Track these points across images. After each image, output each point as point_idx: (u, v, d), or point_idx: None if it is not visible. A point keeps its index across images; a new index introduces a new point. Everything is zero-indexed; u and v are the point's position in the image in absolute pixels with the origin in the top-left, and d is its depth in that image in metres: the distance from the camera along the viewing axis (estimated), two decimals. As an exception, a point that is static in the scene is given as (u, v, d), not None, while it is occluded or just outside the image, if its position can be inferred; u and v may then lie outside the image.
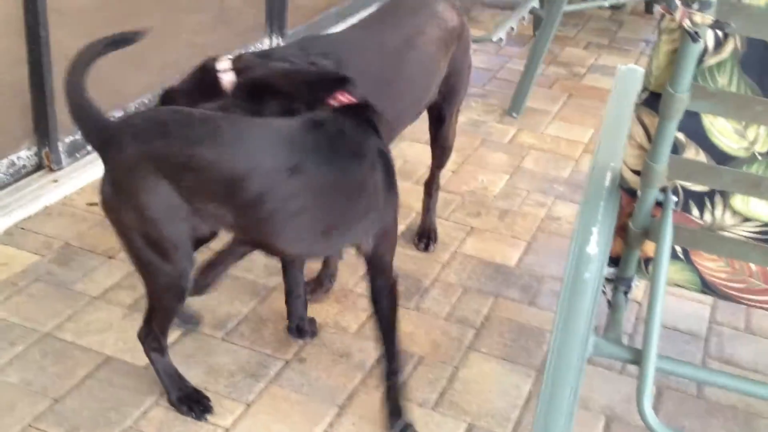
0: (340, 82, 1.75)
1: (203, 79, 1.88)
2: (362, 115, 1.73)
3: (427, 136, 3.20)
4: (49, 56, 2.52)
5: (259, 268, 2.36)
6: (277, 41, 3.69)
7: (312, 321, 2.13)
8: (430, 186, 2.56)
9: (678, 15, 1.18)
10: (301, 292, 2.08)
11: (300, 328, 2.09)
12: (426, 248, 2.53)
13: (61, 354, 1.97)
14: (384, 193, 1.74)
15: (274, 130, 1.68)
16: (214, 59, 1.88)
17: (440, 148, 2.49)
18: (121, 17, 4.04)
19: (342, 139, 1.68)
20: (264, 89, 1.79)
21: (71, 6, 2.70)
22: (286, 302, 2.09)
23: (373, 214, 1.74)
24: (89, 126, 1.65)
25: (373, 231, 1.76)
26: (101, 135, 1.63)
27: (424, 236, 2.55)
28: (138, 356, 1.98)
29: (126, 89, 2.91)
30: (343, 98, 1.73)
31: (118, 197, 1.61)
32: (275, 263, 2.37)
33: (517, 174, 3.03)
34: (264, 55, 1.95)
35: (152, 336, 1.80)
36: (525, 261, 2.53)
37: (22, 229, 2.42)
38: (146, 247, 1.63)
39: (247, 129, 1.63)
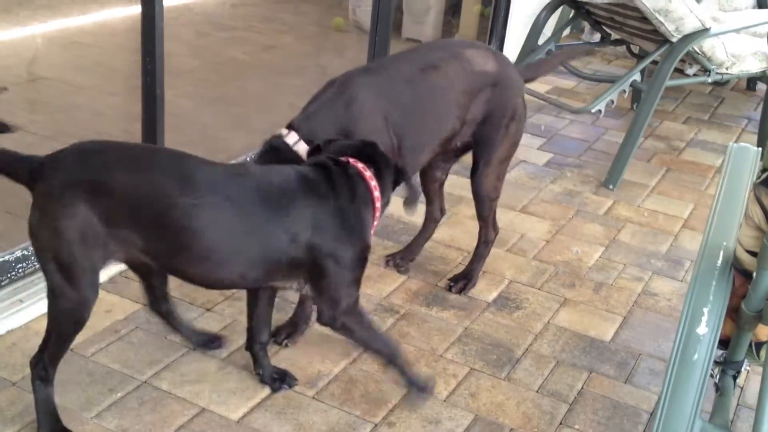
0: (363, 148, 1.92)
1: (278, 156, 2.00)
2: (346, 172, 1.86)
3: (521, 204, 3.21)
4: (162, 112, 2.64)
5: (350, 328, 2.36)
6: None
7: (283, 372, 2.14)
8: (479, 235, 2.59)
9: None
10: (264, 339, 2.10)
11: (274, 378, 2.11)
12: (459, 291, 2.56)
13: (158, 402, 2.01)
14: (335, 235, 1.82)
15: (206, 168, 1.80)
16: (278, 136, 2.03)
17: (475, 196, 2.50)
18: (227, 80, 4.24)
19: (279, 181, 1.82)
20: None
21: (184, 68, 2.84)
22: (250, 349, 2.12)
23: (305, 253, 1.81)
24: (14, 165, 1.75)
25: (308, 272, 1.84)
26: (28, 170, 1.73)
27: (459, 279, 2.59)
28: (232, 409, 2.01)
29: (231, 147, 3.01)
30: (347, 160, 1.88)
31: (40, 222, 1.71)
32: (367, 324, 2.38)
33: (613, 246, 2.98)
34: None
35: (41, 364, 1.83)
36: (621, 336, 2.46)
37: (126, 277, 2.50)
38: (57, 271, 1.72)
39: (166, 159, 1.78)
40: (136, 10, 2.56)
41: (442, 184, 2.66)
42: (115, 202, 1.70)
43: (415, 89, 2.20)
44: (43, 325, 1.86)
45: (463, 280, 2.60)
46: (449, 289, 2.58)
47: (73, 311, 1.77)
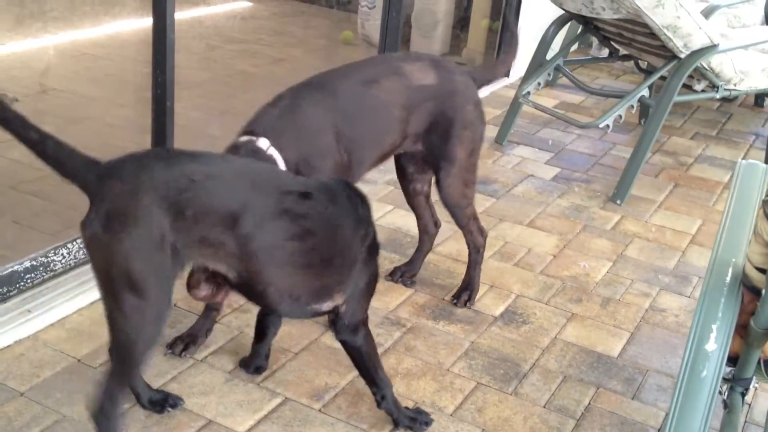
0: None
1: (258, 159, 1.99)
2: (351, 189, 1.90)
3: (528, 218, 3.21)
4: (172, 124, 2.65)
5: (357, 341, 2.37)
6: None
7: (267, 357, 2.19)
8: (467, 243, 2.59)
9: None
10: (270, 339, 2.17)
11: (259, 367, 2.17)
12: (464, 304, 2.57)
13: (164, 414, 2.01)
14: (364, 260, 1.88)
15: (275, 176, 1.82)
16: (247, 142, 2.01)
17: (446, 208, 2.49)
18: (236, 92, 4.26)
19: (337, 202, 1.84)
20: None
21: (194, 80, 2.86)
22: (254, 343, 2.16)
23: (350, 279, 1.86)
24: (77, 164, 1.62)
25: (347, 295, 1.87)
26: (95, 170, 1.62)
27: (462, 292, 2.60)
28: (239, 421, 2.01)
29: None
30: None
31: (110, 229, 1.58)
32: (375, 336, 2.38)
33: (620, 262, 2.97)
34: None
35: (108, 403, 1.67)
36: (628, 352, 2.46)
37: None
38: (127, 285, 1.59)
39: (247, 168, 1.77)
40: (148, 22, 2.59)
41: (427, 197, 2.65)
42: (199, 209, 1.62)
43: (358, 104, 2.21)
44: (53, 335, 1.88)
45: (466, 292, 2.60)
46: (455, 304, 2.58)
47: (148, 328, 1.64)
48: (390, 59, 2.39)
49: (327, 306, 1.88)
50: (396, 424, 2.03)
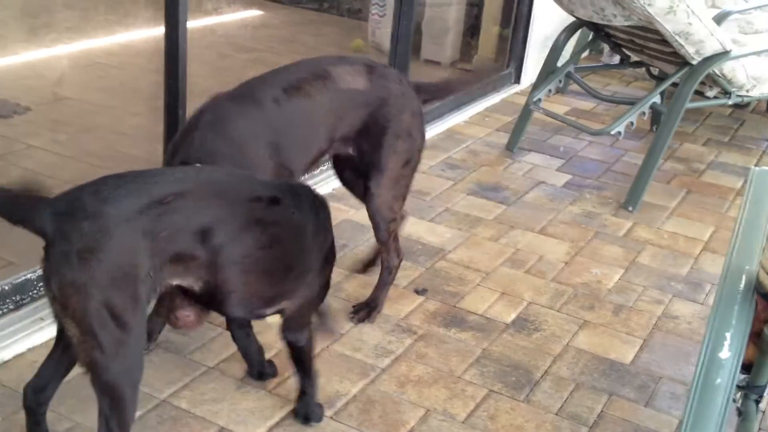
0: None
1: None
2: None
3: (539, 225, 3.20)
4: (184, 133, 2.66)
5: (368, 347, 2.37)
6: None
7: (271, 363, 2.19)
8: (381, 260, 2.52)
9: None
10: (252, 341, 2.15)
11: (261, 373, 2.18)
12: (362, 320, 2.47)
13: (177, 421, 2.02)
14: (318, 268, 1.92)
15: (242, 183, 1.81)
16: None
17: (370, 218, 2.39)
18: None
19: (302, 208, 1.86)
20: None
21: (206, 89, 2.86)
22: (243, 355, 2.18)
23: (304, 286, 1.90)
24: (25, 206, 1.52)
25: (298, 300, 1.90)
26: (47, 209, 1.51)
27: (363, 307, 2.51)
28: (251, 429, 2.01)
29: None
30: None
31: (87, 270, 1.49)
32: (386, 344, 2.38)
33: (633, 269, 2.96)
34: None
35: None
36: (641, 359, 2.45)
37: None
38: (112, 322, 1.53)
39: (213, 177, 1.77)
40: (160, 32, 2.60)
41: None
42: (171, 229, 1.59)
43: (282, 111, 2.14)
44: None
45: (367, 308, 2.50)
46: (351, 318, 2.48)
47: (136, 361, 1.60)
48: (318, 63, 2.29)
49: (272, 310, 1.91)
50: (305, 417, 2.05)
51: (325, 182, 3.13)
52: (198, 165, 1.94)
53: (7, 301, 2.25)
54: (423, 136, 2.40)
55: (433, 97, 2.56)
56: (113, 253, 1.52)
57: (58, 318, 1.59)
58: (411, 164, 2.38)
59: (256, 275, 1.79)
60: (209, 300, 1.78)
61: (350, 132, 2.28)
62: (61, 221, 1.50)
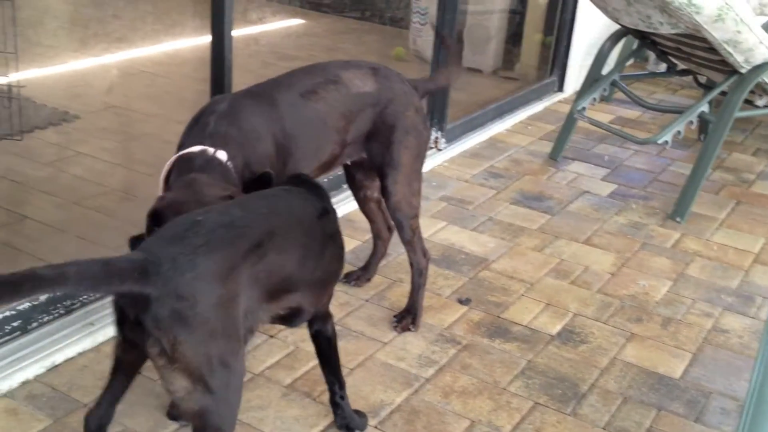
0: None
1: (216, 173, 1.94)
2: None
3: (584, 236, 3.17)
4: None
5: (412, 357, 2.36)
6: (436, 135, 3.78)
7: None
8: (410, 263, 2.51)
9: None
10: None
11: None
12: (405, 328, 2.47)
13: (222, 427, 2.03)
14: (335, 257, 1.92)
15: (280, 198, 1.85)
16: (201, 152, 1.95)
17: (393, 219, 2.45)
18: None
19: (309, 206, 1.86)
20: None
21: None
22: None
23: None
24: (127, 275, 1.45)
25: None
26: (144, 267, 1.46)
27: (404, 316, 2.51)
28: (295, 437, 2.01)
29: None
30: None
31: (198, 323, 1.48)
32: (429, 353, 2.38)
33: (681, 281, 2.91)
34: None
35: None
36: (690, 374, 2.40)
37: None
38: (219, 368, 1.53)
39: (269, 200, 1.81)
40: (205, 41, 2.64)
41: (378, 203, 2.62)
42: (265, 270, 1.64)
43: (296, 115, 2.18)
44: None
45: (409, 316, 2.50)
46: (395, 327, 2.48)
47: (238, 404, 1.62)
48: (329, 67, 2.34)
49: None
50: (347, 427, 2.04)
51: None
52: (263, 192, 1.91)
53: (58, 305, 2.29)
54: (428, 129, 2.49)
55: (428, 92, 2.60)
56: (222, 305, 1.53)
57: (160, 370, 1.52)
58: (421, 158, 2.44)
59: (321, 286, 1.87)
60: (283, 319, 1.83)
61: (361, 135, 2.34)
62: (165, 281, 1.46)
